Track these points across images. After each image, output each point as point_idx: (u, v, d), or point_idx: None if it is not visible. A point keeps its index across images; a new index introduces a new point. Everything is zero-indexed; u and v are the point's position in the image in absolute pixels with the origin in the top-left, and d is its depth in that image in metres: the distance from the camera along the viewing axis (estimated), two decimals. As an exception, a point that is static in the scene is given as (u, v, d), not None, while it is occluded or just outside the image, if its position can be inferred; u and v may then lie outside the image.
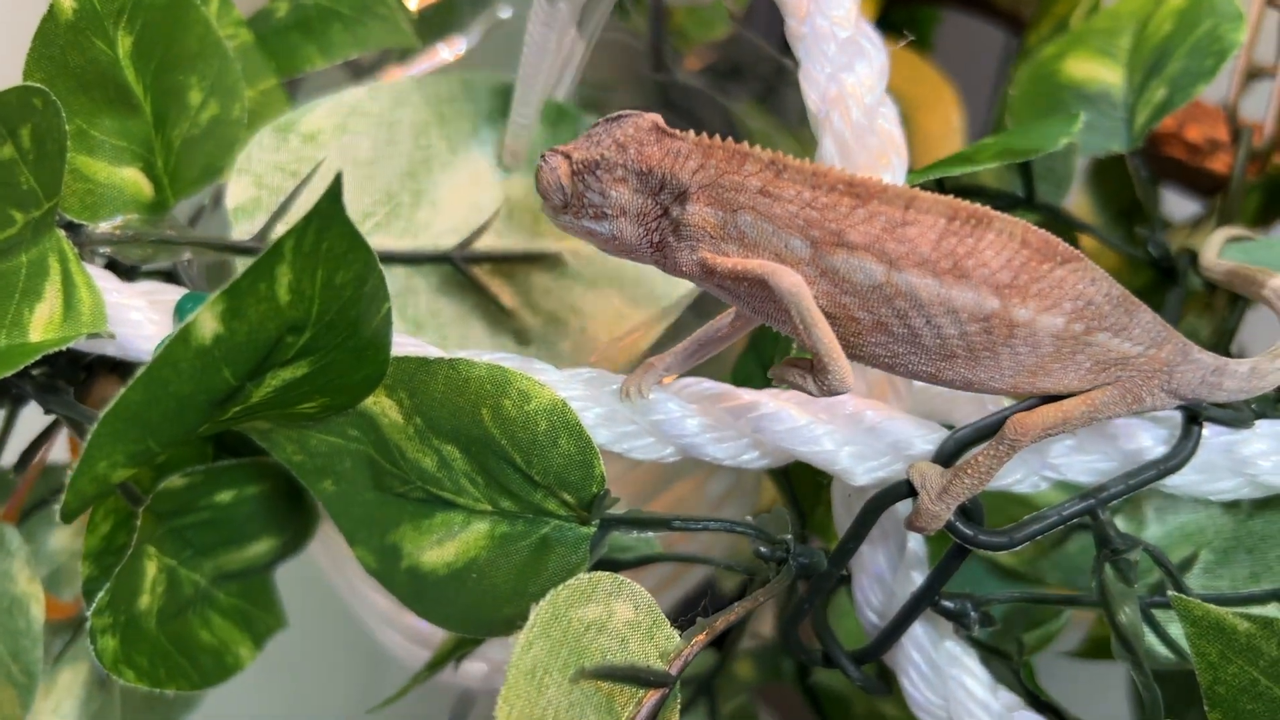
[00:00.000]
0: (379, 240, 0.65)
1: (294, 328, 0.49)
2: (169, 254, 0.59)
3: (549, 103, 0.69)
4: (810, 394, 0.53)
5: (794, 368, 0.54)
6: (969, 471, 0.53)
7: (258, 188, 0.62)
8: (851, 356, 0.52)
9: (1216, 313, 0.75)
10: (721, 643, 0.77)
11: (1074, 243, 0.94)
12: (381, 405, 0.55)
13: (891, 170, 0.58)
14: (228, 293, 0.46)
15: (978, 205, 0.50)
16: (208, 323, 0.46)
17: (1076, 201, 0.94)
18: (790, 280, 0.50)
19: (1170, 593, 0.51)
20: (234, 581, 0.64)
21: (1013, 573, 0.72)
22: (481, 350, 0.58)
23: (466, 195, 0.68)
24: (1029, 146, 0.62)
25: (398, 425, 0.56)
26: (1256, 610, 0.59)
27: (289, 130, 0.65)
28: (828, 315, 0.51)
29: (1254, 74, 0.86)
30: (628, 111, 0.54)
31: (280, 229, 0.62)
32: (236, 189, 0.61)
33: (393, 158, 0.67)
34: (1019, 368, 0.52)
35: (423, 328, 0.65)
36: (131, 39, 0.55)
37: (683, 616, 0.55)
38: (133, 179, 0.58)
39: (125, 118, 0.57)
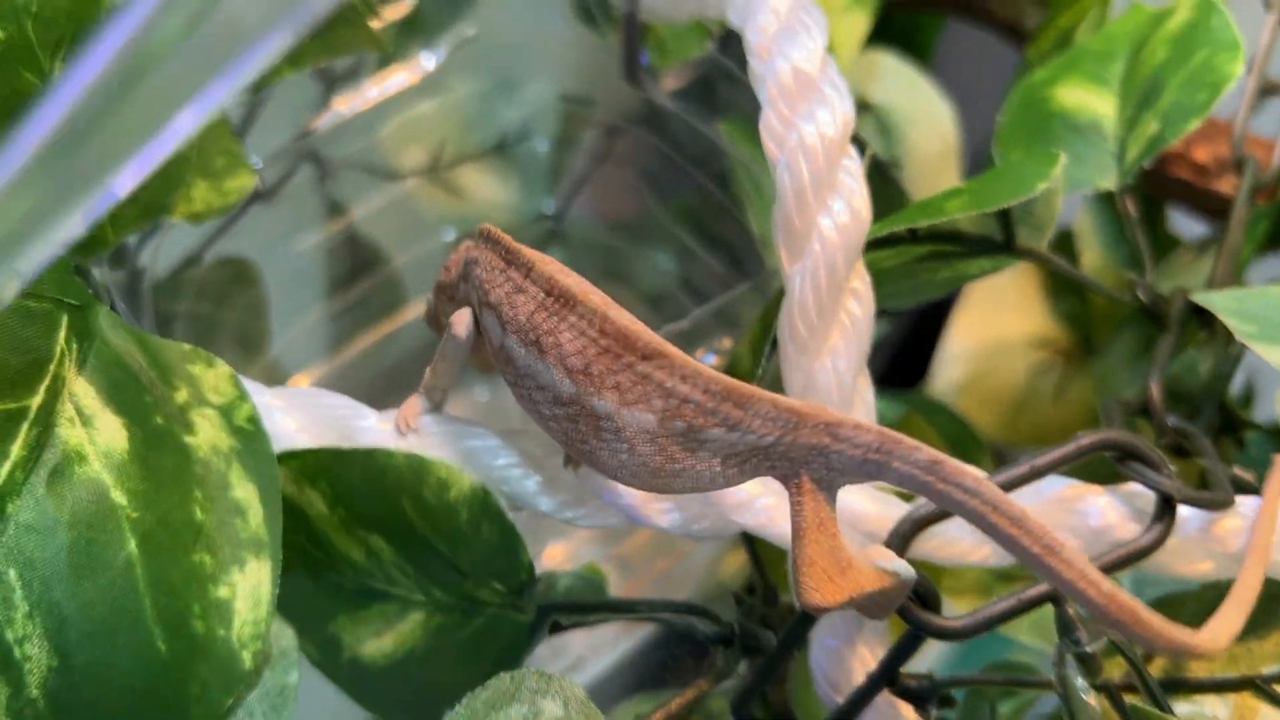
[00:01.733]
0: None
1: None
2: None
3: None
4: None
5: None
6: None
7: None
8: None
9: (1216, 346, 0.70)
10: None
11: (1065, 287, 0.89)
12: (307, 496, 0.54)
13: (848, 225, 0.55)
14: None
15: (573, 286, 0.47)
16: None
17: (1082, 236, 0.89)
18: (457, 328, 0.53)
19: (1129, 703, 0.48)
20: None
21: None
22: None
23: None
24: (1002, 195, 0.58)
25: (324, 515, 0.54)
26: (1232, 698, 0.55)
27: None
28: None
29: (1267, 91, 0.81)
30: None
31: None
32: None
33: None
34: (636, 467, 0.48)
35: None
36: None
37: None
38: None
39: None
